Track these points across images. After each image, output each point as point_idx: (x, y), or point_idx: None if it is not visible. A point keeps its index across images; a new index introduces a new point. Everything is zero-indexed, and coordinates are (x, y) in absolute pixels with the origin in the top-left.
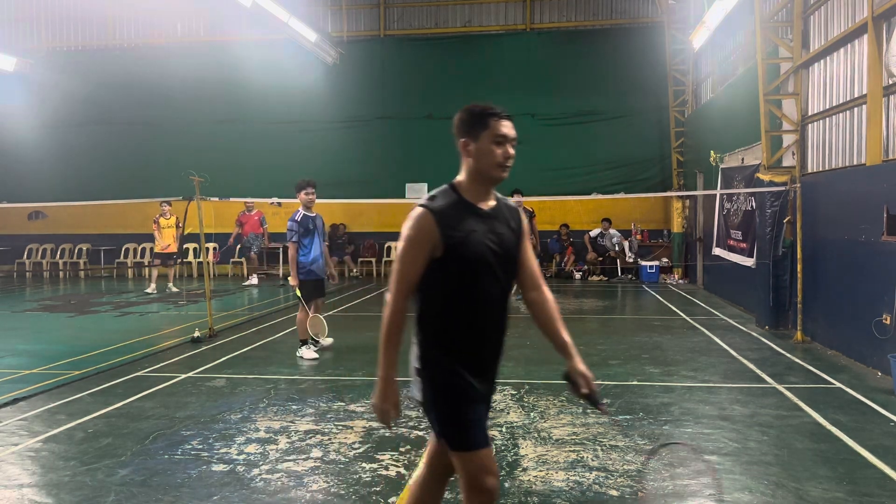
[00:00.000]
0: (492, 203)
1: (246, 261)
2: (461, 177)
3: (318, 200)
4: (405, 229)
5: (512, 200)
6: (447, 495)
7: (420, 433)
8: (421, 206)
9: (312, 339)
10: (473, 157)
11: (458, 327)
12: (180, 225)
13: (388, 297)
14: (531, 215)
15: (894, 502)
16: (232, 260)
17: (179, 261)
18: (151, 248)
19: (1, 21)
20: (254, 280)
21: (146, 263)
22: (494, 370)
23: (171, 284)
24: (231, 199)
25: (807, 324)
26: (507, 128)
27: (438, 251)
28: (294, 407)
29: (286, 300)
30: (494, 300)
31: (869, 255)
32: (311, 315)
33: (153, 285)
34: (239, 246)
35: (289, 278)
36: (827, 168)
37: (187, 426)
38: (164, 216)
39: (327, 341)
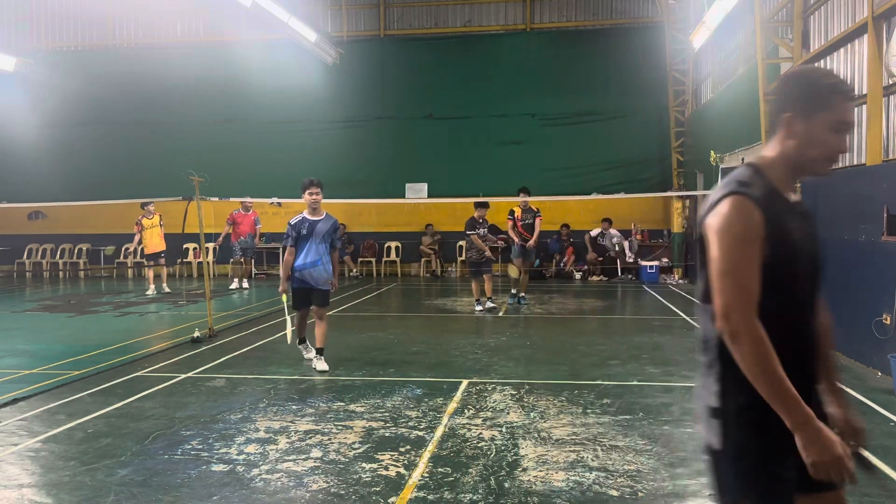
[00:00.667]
0: (796, 195)
1: (244, 262)
2: (770, 156)
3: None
4: (725, 224)
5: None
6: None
7: (420, 433)
8: (737, 192)
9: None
10: (798, 140)
11: (781, 354)
12: (161, 224)
13: (726, 325)
14: (535, 215)
15: (894, 502)
16: (231, 260)
17: (179, 261)
18: (141, 250)
19: (1, 21)
20: (244, 283)
21: (146, 264)
22: (817, 404)
23: (164, 285)
24: (231, 199)
25: None
26: (852, 113)
27: (763, 254)
28: (294, 407)
29: (286, 300)
30: (813, 318)
31: (869, 255)
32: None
33: (153, 287)
34: (238, 248)
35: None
36: None
37: (187, 426)
38: (147, 217)
39: (320, 365)
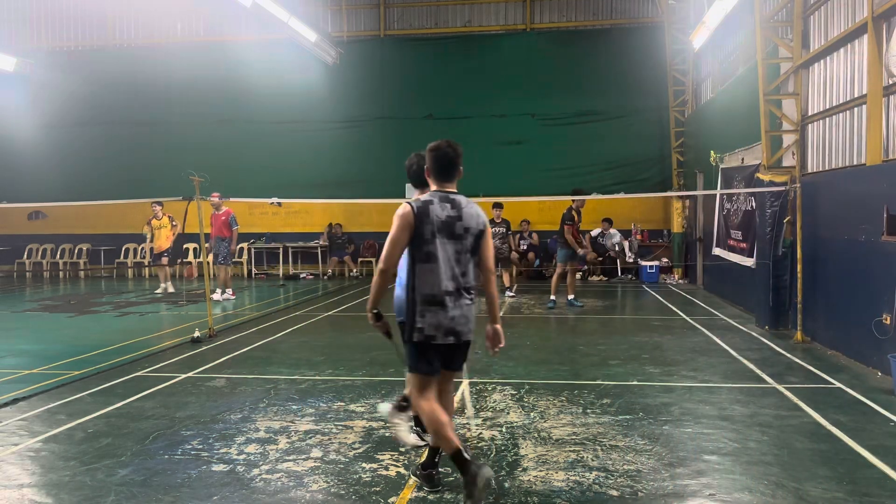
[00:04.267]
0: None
1: (220, 270)
2: None
3: (317, 200)
4: None
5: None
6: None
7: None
8: None
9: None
10: None
11: None
12: (175, 224)
13: None
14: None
15: (894, 502)
16: (232, 260)
17: (179, 261)
18: (152, 249)
19: (1, 21)
20: (217, 296)
21: (146, 264)
22: None
23: (165, 284)
24: (231, 199)
25: (807, 324)
26: None
27: None
28: (294, 407)
29: (285, 300)
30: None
31: (869, 255)
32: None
33: (163, 284)
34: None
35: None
36: (827, 168)
37: (187, 426)
38: (156, 217)
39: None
